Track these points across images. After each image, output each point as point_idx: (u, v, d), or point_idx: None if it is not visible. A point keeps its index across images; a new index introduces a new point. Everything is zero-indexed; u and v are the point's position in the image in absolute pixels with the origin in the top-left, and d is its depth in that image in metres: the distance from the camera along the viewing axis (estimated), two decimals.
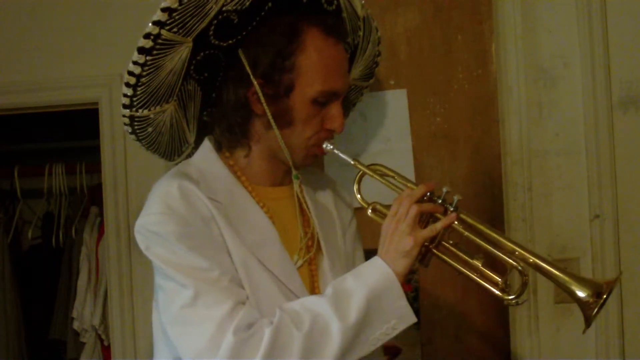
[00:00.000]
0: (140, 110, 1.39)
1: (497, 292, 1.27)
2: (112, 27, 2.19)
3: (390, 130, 1.97)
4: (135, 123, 1.43)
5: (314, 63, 1.29)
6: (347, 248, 1.47)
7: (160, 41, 1.28)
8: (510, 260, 1.26)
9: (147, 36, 1.28)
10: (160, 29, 1.27)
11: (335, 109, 1.33)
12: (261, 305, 1.26)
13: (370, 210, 1.38)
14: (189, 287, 1.22)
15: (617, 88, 1.92)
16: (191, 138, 1.52)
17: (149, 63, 1.30)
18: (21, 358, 2.87)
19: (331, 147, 1.36)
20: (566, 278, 1.22)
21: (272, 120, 1.31)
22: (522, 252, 1.25)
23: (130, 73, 1.31)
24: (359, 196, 1.40)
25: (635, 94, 1.93)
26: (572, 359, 1.93)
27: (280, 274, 1.31)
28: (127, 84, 1.33)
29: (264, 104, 1.31)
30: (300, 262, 1.36)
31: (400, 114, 1.89)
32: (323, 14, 1.36)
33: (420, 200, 1.27)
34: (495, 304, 1.98)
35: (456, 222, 1.26)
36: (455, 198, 1.27)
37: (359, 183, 1.40)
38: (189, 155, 1.51)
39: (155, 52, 1.29)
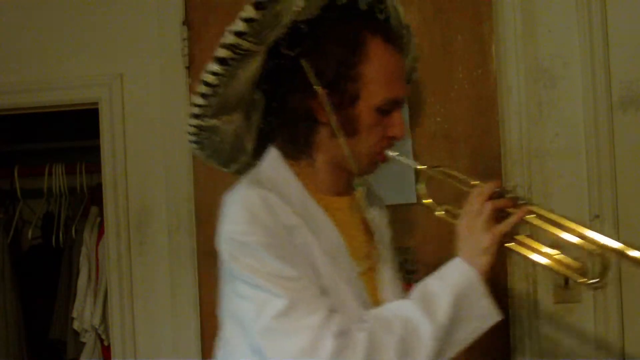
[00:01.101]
0: (208, 120, 1.39)
1: (578, 277, 1.27)
2: (112, 27, 2.19)
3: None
4: (202, 133, 1.43)
5: (378, 72, 1.30)
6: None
7: (238, 51, 1.29)
8: (586, 245, 1.26)
9: (226, 47, 1.28)
10: (239, 39, 1.28)
11: (397, 117, 1.33)
12: (343, 311, 1.26)
13: (440, 211, 1.38)
14: (281, 297, 1.21)
15: (617, 88, 1.92)
16: (249, 146, 1.51)
17: (226, 73, 1.32)
18: (21, 358, 2.87)
19: (394, 153, 1.36)
20: None
21: (337, 129, 1.32)
22: (593, 237, 1.25)
23: (206, 83, 1.32)
24: (426, 198, 1.40)
25: (635, 94, 1.93)
26: (572, 359, 1.93)
27: (349, 282, 1.32)
28: (203, 95, 1.34)
29: (330, 113, 1.31)
30: (364, 269, 1.37)
31: None
32: (379, 22, 1.37)
33: (491, 197, 1.27)
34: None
35: (529, 215, 1.27)
36: (521, 193, 1.31)
37: (424, 185, 1.40)
38: (248, 164, 1.50)
39: (232, 61, 1.30)
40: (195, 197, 2.13)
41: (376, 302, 1.35)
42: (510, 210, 1.27)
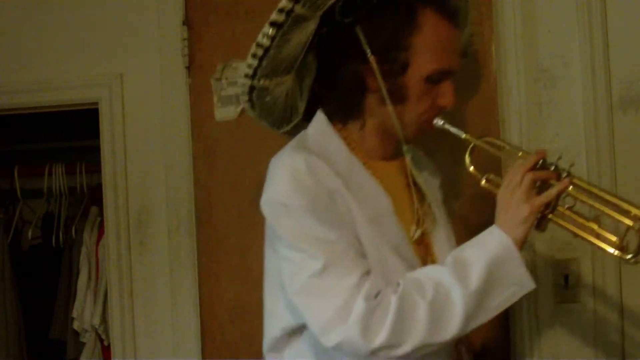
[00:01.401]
0: (261, 81, 1.44)
1: (615, 251, 1.29)
2: (112, 27, 2.19)
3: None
4: (254, 93, 1.49)
5: (429, 42, 1.33)
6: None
7: (293, 15, 1.34)
8: (627, 220, 1.28)
9: (280, 11, 1.33)
10: (294, 4, 1.32)
11: (447, 87, 1.37)
12: (388, 276, 1.29)
13: (484, 181, 1.40)
14: (318, 258, 1.26)
15: (617, 88, 1.92)
16: (301, 108, 1.56)
17: (279, 36, 1.36)
18: (21, 358, 2.87)
19: (442, 122, 1.39)
20: None
21: (387, 96, 1.35)
22: (637, 211, 1.28)
23: (259, 45, 1.37)
24: (472, 168, 1.43)
25: (635, 94, 1.92)
26: (572, 359, 1.93)
27: (397, 245, 1.35)
28: (254, 55, 1.39)
29: (380, 80, 1.35)
30: (418, 234, 1.40)
31: None
32: None
33: (533, 168, 1.30)
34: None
35: (571, 187, 1.29)
36: (568, 165, 1.30)
37: (470, 155, 1.43)
38: (297, 126, 1.54)
39: (285, 26, 1.35)
40: (195, 197, 2.13)
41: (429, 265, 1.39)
42: (553, 182, 1.29)
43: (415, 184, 1.47)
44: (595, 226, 1.32)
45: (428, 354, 1.27)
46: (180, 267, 2.12)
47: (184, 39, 2.13)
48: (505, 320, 1.99)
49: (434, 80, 1.35)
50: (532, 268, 1.92)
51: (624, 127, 1.92)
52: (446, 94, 1.37)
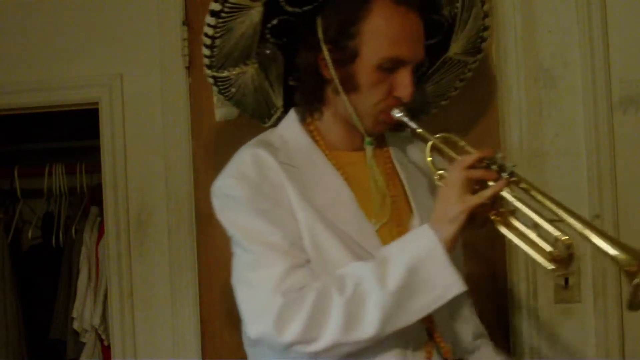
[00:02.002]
0: (219, 71, 1.51)
1: (546, 264, 1.25)
2: (112, 27, 2.19)
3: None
4: (219, 83, 1.55)
5: (379, 30, 1.32)
6: None
7: (228, 4, 1.39)
8: (557, 232, 1.24)
9: (217, 0, 1.40)
10: None
11: (402, 77, 1.34)
12: (329, 266, 1.29)
13: (437, 177, 1.38)
14: (250, 252, 1.31)
15: (617, 88, 1.92)
16: (278, 102, 1.57)
17: (219, 25, 1.42)
18: (21, 358, 2.87)
19: (400, 114, 1.37)
20: (618, 249, 1.17)
21: (339, 86, 1.35)
22: (573, 222, 1.21)
23: (205, 34, 1.43)
24: (429, 160, 1.40)
25: (635, 94, 1.93)
26: (572, 359, 1.93)
27: (355, 234, 1.33)
28: (205, 45, 1.46)
29: (332, 69, 1.35)
30: (377, 224, 1.37)
31: None
32: None
33: (471, 166, 1.26)
34: (495, 304, 1.98)
35: (508, 191, 1.25)
36: (510, 165, 1.25)
37: (430, 152, 1.40)
38: (279, 119, 1.56)
39: (224, 14, 1.40)
40: (195, 197, 2.13)
41: None
42: (491, 183, 1.25)
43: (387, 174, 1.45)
44: (534, 233, 1.27)
45: (388, 340, 1.25)
46: (180, 267, 2.12)
47: (184, 39, 2.13)
48: (505, 320, 1.99)
49: (386, 68, 1.33)
50: (532, 268, 1.92)
51: (624, 127, 1.92)
52: (401, 85, 1.34)
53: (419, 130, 1.38)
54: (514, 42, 1.96)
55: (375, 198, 1.39)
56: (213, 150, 2.12)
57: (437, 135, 1.39)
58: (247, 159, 1.35)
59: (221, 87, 1.56)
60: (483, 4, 1.55)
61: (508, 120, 1.97)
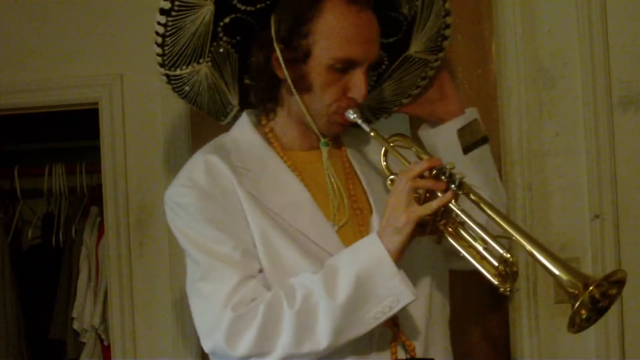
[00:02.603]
0: (172, 69, 1.47)
1: (491, 279, 1.22)
2: (112, 27, 2.19)
3: (391, 131, 1.97)
4: (172, 82, 1.52)
5: (330, 29, 1.30)
6: None
7: (178, 3, 1.36)
8: (500, 250, 1.21)
9: None
10: None
11: (356, 77, 1.32)
12: (284, 274, 1.28)
13: (388, 182, 1.36)
14: (199, 264, 1.30)
15: (617, 88, 1.92)
16: (234, 100, 1.56)
17: (170, 24, 1.38)
18: (21, 358, 2.87)
19: (353, 115, 1.34)
20: (561, 270, 1.15)
21: (291, 86, 1.34)
22: (519, 238, 1.19)
23: (156, 33, 1.41)
24: (384, 165, 1.39)
25: (635, 94, 1.92)
26: (572, 359, 1.92)
27: (314, 235, 1.31)
28: (156, 43, 1.42)
29: (284, 69, 1.33)
30: (337, 225, 1.35)
31: (400, 114, 1.89)
32: None
33: (419, 175, 1.24)
34: (496, 304, 1.98)
35: (453, 202, 1.21)
36: (458, 176, 1.23)
37: (385, 155, 1.39)
38: (236, 117, 1.54)
39: (174, 13, 1.37)
40: None
41: None
42: (440, 193, 1.23)
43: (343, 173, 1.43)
44: (481, 246, 1.23)
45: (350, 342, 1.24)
46: (180, 267, 2.11)
47: None
48: (505, 320, 1.99)
49: (338, 69, 1.31)
50: (533, 268, 1.92)
51: (624, 127, 1.92)
52: (354, 85, 1.32)
53: (372, 133, 1.35)
54: (514, 42, 1.95)
55: (332, 199, 1.37)
56: None
57: (390, 138, 1.37)
58: (198, 165, 1.34)
59: (174, 86, 1.53)
60: (445, 1, 1.51)
61: (508, 120, 1.97)
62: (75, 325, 2.72)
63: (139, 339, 2.16)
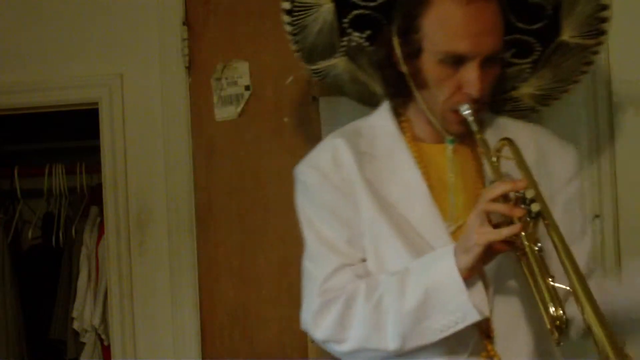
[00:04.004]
0: (310, 64, 1.58)
1: (546, 321, 1.15)
2: (112, 27, 2.19)
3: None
4: (315, 75, 1.63)
5: (437, 23, 1.26)
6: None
7: (296, 3, 1.46)
8: (549, 298, 1.14)
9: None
10: None
11: (469, 71, 1.24)
12: (386, 264, 1.30)
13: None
14: (309, 243, 1.36)
15: (617, 88, 1.92)
16: (379, 90, 1.53)
17: (294, 23, 1.49)
18: (21, 358, 2.87)
19: (466, 111, 1.27)
20: (605, 340, 1.13)
21: (410, 80, 1.32)
22: (580, 294, 1.12)
23: (287, 32, 1.52)
24: (491, 171, 1.28)
25: (635, 94, 1.92)
26: (572, 359, 1.92)
27: (424, 231, 1.28)
28: (290, 42, 1.53)
29: (402, 64, 1.32)
30: (453, 226, 1.31)
31: None
32: None
33: (497, 198, 1.16)
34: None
35: (524, 235, 1.14)
36: (535, 207, 1.15)
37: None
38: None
39: (295, 13, 1.47)
40: (195, 197, 2.13)
41: None
42: (515, 220, 1.15)
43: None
44: (549, 281, 1.15)
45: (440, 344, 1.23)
46: (180, 267, 2.12)
47: (184, 39, 2.13)
48: None
49: (449, 64, 1.25)
50: None
51: (624, 127, 1.92)
52: (467, 80, 1.25)
53: (479, 135, 1.27)
54: None
55: (450, 197, 1.33)
56: (213, 150, 2.13)
57: (499, 142, 1.28)
58: (326, 148, 1.38)
59: (319, 78, 1.63)
60: None
61: None
62: (75, 325, 2.72)
63: (139, 339, 2.16)
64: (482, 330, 1.26)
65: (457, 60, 1.25)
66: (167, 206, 2.14)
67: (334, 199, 1.33)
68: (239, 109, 2.10)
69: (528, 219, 1.15)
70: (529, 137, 1.40)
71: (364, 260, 1.32)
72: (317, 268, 1.33)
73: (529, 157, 1.30)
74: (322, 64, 1.57)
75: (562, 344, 1.17)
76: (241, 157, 2.11)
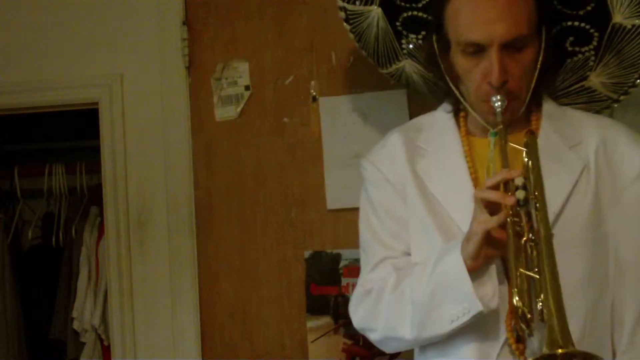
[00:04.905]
0: (383, 69, 1.65)
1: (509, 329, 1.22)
2: (112, 27, 2.19)
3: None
4: (392, 78, 1.69)
5: (454, 14, 1.29)
6: (599, 216, 1.30)
7: (348, 12, 1.55)
8: (518, 301, 1.16)
9: (340, 9, 1.56)
10: (344, 2, 1.54)
11: (488, 60, 1.25)
12: (425, 255, 1.33)
13: None
14: (361, 233, 1.45)
15: None
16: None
17: (353, 30, 1.58)
18: (21, 358, 2.87)
19: (497, 103, 1.26)
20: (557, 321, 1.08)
21: (445, 75, 1.36)
22: (545, 281, 1.11)
23: (352, 39, 1.61)
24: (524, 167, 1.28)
25: (635, 94, 1.92)
26: None
27: (465, 225, 1.26)
28: (360, 49, 1.62)
29: (439, 59, 1.36)
30: None
31: (400, 114, 1.89)
32: None
33: (496, 187, 1.18)
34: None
35: (510, 223, 1.16)
36: (520, 195, 1.16)
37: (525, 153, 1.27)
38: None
39: (351, 21, 1.56)
40: (195, 197, 2.13)
41: None
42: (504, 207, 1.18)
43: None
44: (521, 271, 1.17)
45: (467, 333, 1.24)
46: (180, 267, 2.12)
47: (184, 39, 2.13)
48: None
49: (470, 54, 1.27)
50: None
51: None
52: (487, 69, 1.26)
53: (500, 126, 1.26)
54: None
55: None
56: (213, 150, 2.13)
57: (525, 140, 1.27)
58: (385, 144, 1.44)
59: (395, 81, 1.69)
60: None
61: None
62: (75, 325, 2.72)
63: (139, 339, 2.16)
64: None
65: (476, 50, 1.27)
66: (167, 206, 2.14)
67: (384, 195, 1.40)
68: (239, 109, 2.10)
69: (518, 207, 1.17)
70: (595, 128, 1.37)
71: (408, 253, 1.37)
72: (365, 258, 1.42)
73: (590, 144, 1.32)
74: (391, 68, 1.63)
75: (532, 336, 1.18)
76: (241, 157, 2.11)
